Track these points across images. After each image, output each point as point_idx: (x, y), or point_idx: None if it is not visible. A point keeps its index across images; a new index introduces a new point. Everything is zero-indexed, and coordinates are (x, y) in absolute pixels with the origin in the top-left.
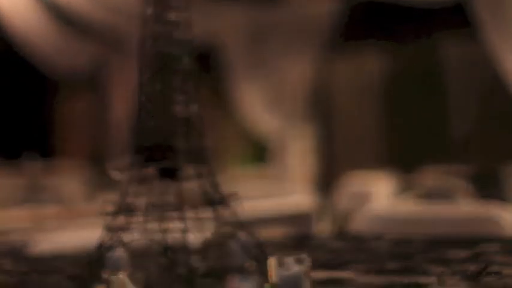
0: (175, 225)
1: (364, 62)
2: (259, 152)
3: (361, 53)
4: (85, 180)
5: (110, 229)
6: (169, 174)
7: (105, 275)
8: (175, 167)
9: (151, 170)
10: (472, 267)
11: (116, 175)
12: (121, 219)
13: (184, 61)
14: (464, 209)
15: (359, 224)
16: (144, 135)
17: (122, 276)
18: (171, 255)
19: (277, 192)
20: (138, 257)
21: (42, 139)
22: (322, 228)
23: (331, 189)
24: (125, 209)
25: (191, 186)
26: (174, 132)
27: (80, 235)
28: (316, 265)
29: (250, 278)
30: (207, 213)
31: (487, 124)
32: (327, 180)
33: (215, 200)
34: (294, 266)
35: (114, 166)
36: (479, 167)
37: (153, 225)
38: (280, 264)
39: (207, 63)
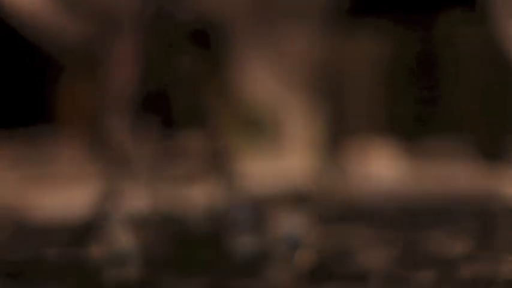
0: (175, 182)
1: (374, 38)
2: (260, 126)
3: (370, 29)
4: (85, 146)
5: (109, 185)
6: (170, 127)
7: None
8: (174, 120)
9: (151, 125)
10: (478, 232)
11: (115, 127)
12: (120, 175)
13: (185, 25)
14: (468, 176)
15: (359, 191)
16: (144, 90)
17: (120, 229)
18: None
19: (278, 161)
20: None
21: (43, 111)
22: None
23: (332, 161)
24: (124, 165)
25: (191, 140)
26: (174, 87)
27: (78, 196)
28: (318, 229)
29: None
30: (208, 169)
31: (490, 99)
32: (329, 153)
33: (216, 153)
34: (295, 222)
35: (113, 122)
36: (483, 137)
37: (153, 183)
38: (281, 219)
39: (208, 37)
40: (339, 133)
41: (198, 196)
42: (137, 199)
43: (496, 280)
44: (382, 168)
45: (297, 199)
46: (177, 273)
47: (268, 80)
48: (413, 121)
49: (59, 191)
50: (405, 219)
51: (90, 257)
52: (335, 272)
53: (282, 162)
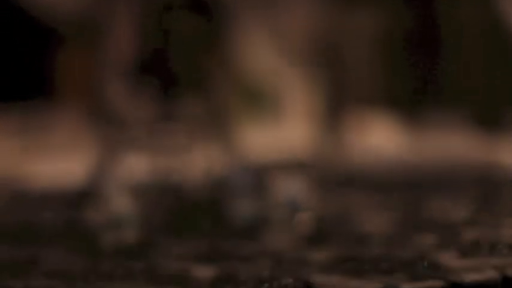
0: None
1: (373, 10)
2: (260, 96)
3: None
4: (83, 119)
5: (107, 151)
6: (168, 90)
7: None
8: (173, 83)
9: (149, 87)
10: (480, 197)
11: (114, 94)
12: (118, 140)
13: None
14: (468, 145)
15: (360, 160)
16: (143, 53)
17: (118, 192)
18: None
19: (276, 132)
20: (137, 185)
21: (42, 79)
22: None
23: (332, 132)
24: (122, 130)
25: (191, 105)
26: (173, 51)
27: (77, 164)
28: (318, 193)
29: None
30: (207, 131)
31: (491, 71)
32: (328, 124)
33: (213, 118)
34: (295, 185)
35: (112, 86)
36: (483, 110)
37: (151, 147)
38: (280, 183)
39: (208, 6)
40: (338, 104)
41: (197, 161)
42: (136, 164)
43: (497, 244)
44: (382, 139)
45: (297, 166)
46: (175, 238)
47: (268, 51)
48: (413, 93)
49: (57, 160)
50: (405, 186)
51: (88, 221)
52: (334, 236)
53: (281, 132)
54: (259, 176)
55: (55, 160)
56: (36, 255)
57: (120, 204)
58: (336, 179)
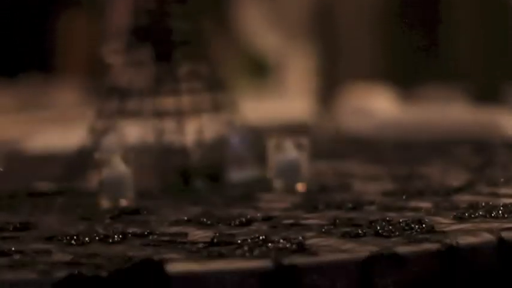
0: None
1: None
2: (259, 71)
3: None
4: (83, 89)
5: (102, 115)
6: (165, 56)
7: (97, 156)
8: (171, 48)
9: (146, 52)
10: (475, 163)
11: (110, 58)
12: (114, 104)
13: None
14: (467, 114)
15: (359, 128)
16: (140, 17)
17: (114, 156)
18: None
19: (277, 104)
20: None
21: (42, 55)
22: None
23: (330, 103)
24: (118, 93)
25: (186, 70)
26: (171, 14)
27: (74, 133)
28: (316, 159)
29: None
30: (204, 99)
31: (489, 44)
32: (325, 97)
33: (212, 84)
34: (293, 150)
35: (109, 49)
36: (480, 86)
37: (147, 112)
38: (278, 148)
39: None
40: (337, 78)
41: (195, 126)
42: (134, 130)
43: (493, 208)
44: (380, 109)
45: (295, 133)
46: (172, 202)
47: (269, 25)
48: (412, 68)
49: (57, 130)
50: (402, 153)
51: (84, 186)
52: (330, 201)
53: (281, 102)
54: (257, 141)
55: (55, 131)
56: (31, 220)
57: (116, 168)
58: (333, 145)
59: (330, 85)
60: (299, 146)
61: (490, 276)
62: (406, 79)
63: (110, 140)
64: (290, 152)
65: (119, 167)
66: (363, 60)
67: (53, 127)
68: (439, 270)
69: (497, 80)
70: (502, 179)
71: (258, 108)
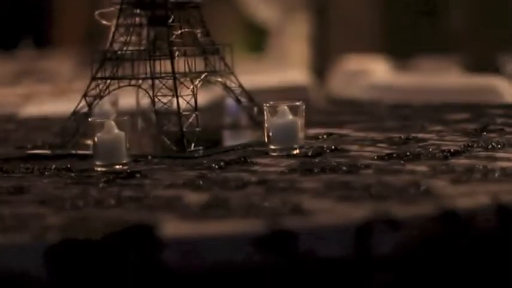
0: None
1: None
2: (257, 41)
3: None
4: (78, 62)
5: (97, 79)
6: (160, 20)
7: (91, 121)
8: (165, 13)
9: (140, 16)
10: (472, 126)
11: (104, 21)
12: (108, 68)
13: None
14: (463, 79)
15: (355, 94)
16: None
17: (108, 120)
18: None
19: (274, 72)
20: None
21: (38, 29)
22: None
23: (326, 73)
24: (112, 57)
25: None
26: None
27: (70, 103)
28: (312, 124)
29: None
30: (198, 64)
31: (485, 15)
32: (322, 66)
33: (207, 49)
34: (289, 114)
35: (103, 13)
36: (476, 57)
37: (142, 76)
38: (274, 113)
39: None
40: (333, 49)
41: (191, 90)
42: (128, 94)
43: (490, 171)
44: (376, 74)
45: (292, 99)
46: (167, 166)
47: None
48: (408, 39)
49: (53, 100)
50: (399, 118)
51: (78, 150)
52: (326, 165)
53: (278, 69)
54: (253, 105)
55: (50, 102)
56: (25, 184)
57: (110, 133)
58: (329, 109)
59: (325, 56)
60: (295, 110)
61: (488, 239)
62: (402, 51)
63: (104, 105)
64: (286, 116)
65: (113, 131)
66: (360, 32)
67: (49, 98)
68: (436, 234)
69: (493, 51)
70: (498, 143)
71: (255, 73)
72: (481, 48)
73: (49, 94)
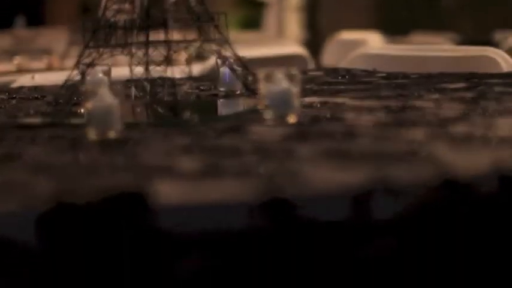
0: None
1: None
2: (253, 17)
3: None
4: (72, 40)
5: (89, 48)
6: None
7: (84, 89)
8: None
9: None
10: (469, 95)
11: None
12: (101, 36)
13: None
14: (460, 49)
15: (349, 65)
16: None
17: (101, 87)
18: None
19: (270, 45)
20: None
21: (32, 7)
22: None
23: (320, 46)
24: (105, 25)
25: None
26: None
27: (63, 76)
28: (307, 92)
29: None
30: (193, 31)
31: None
32: (316, 40)
33: (201, 17)
34: (284, 81)
35: None
36: (470, 35)
37: (135, 44)
38: (269, 80)
39: None
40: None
41: (185, 58)
42: (122, 65)
43: (489, 138)
44: (371, 44)
45: (287, 66)
46: (161, 134)
47: None
48: (403, 16)
49: (46, 74)
50: (395, 87)
51: (73, 116)
52: (323, 132)
53: (276, 46)
54: (248, 73)
55: (47, 73)
56: (15, 151)
57: (103, 100)
58: (323, 78)
59: (319, 32)
60: (290, 77)
61: (488, 205)
62: (396, 27)
63: (97, 74)
64: (281, 82)
65: (107, 98)
66: (354, 9)
67: (42, 71)
68: (436, 199)
69: (487, 29)
70: (497, 111)
71: (251, 46)
72: (476, 26)
73: (42, 69)
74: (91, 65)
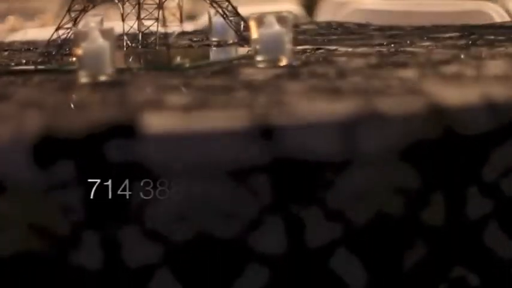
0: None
1: None
2: None
3: None
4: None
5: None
6: None
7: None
8: None
9: None
10: (462, 42)
11: None
12: None
13: None
14: (453, 3)
15: (344, 19)
16: None
17: (93, 31)
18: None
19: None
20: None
21: None
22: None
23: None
24: None
25: None
26: None
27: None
28: (300, 42)
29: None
30: None
31: None
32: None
33: None
34: (276, 24)
35: None
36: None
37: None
38: (261, 23)
39: None
40: None
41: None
42: (114, 16)
43: (479, 76)
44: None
45: (280, 16)
46: (152, 77)
47: None
48: None
49: (38, 30)
50: (388, 36)
51: (65, 63)
52: (314, 71)
53: (272, 5)
54: (242, 21)
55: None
56: (8, 92)
57: (95, 43)
58: (318, 32)
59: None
60: (281, 20)
61: (477, 137)
62: None
63: (89, 25)
64: (272, 26)
65: (98, 41)
66: None
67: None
68: (424, 130)
69: None
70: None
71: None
72: None
73: (35, 26)
74: (83, 10)
